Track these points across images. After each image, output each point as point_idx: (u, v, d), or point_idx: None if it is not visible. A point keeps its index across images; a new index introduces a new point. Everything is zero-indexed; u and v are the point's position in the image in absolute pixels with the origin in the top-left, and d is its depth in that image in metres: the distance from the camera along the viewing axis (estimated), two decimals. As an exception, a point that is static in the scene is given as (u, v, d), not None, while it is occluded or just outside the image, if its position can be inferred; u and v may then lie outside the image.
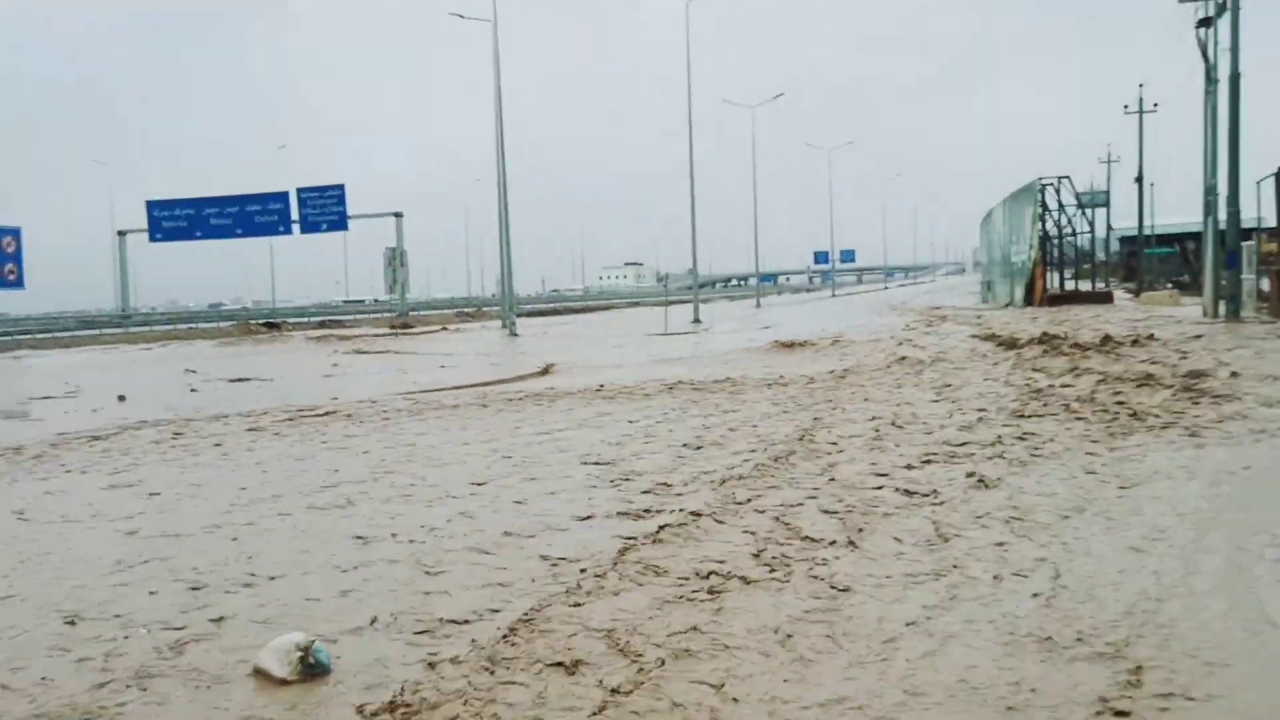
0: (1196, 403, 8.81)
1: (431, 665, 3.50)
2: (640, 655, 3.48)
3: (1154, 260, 46.90)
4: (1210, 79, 22.39)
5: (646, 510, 5.77)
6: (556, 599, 4.15)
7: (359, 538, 5.45)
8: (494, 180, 33.55)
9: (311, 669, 3.44)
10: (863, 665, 3.37)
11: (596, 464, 7.36)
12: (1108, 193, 49.58)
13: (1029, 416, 8.59)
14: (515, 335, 29.85)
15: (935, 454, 7.09)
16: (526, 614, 3.96)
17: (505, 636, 3.72)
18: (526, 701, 3.14)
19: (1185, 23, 22.86)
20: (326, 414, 11.07)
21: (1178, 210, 47.14)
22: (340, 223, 41.43)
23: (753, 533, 5.10)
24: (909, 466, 6.69)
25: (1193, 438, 7.31)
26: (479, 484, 6.81)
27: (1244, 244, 22.10)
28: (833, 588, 4.18)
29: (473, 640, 3.72)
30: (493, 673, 3.37)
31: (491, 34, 32.30)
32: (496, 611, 4.07)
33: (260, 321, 44.30)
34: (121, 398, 13.80)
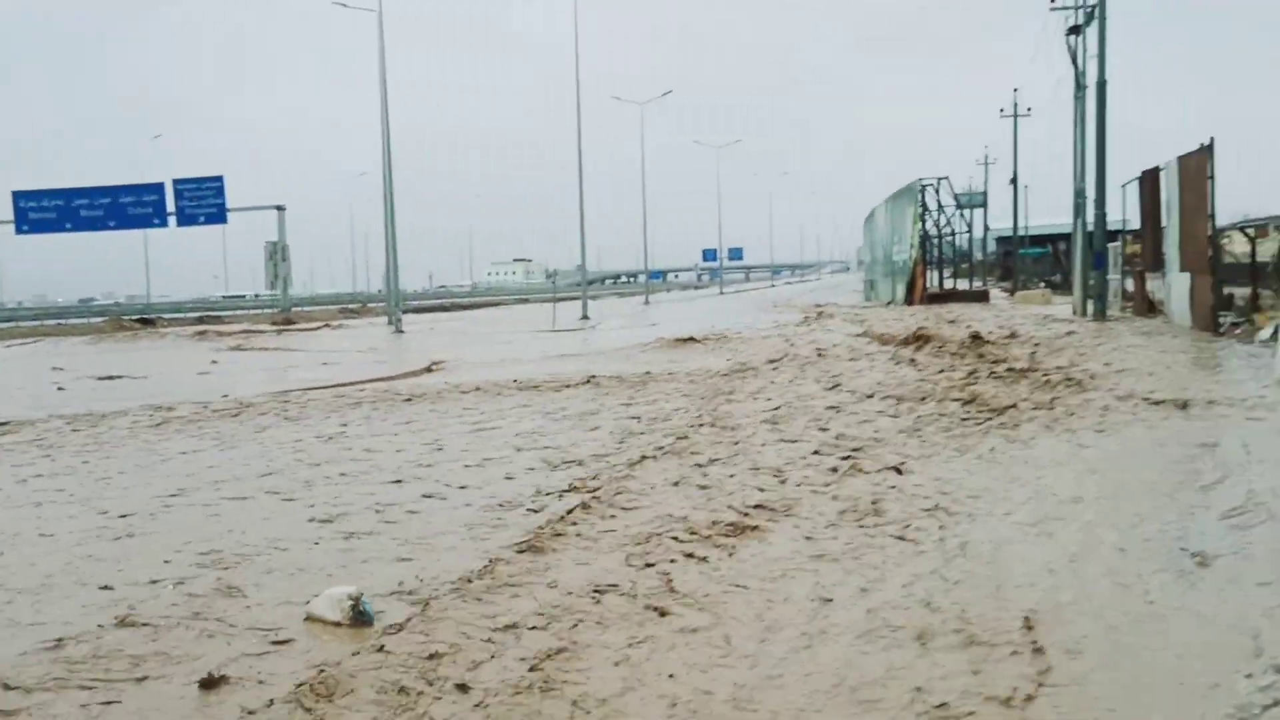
0: (1056, 394, 9.21)
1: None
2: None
3: (1028, 260, 48.67)
4: (1079, 85, 22.96)
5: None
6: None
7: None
8: (379, 175, 32.85)
9: (360, 616, 3.88)
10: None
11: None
12: (985, 194, 51.12)
13: (906, 400, 8.86)
14: (401, 332, 29.28)
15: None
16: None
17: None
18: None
19: (1058, 29, 23.19)
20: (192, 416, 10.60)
21: (1051, 211, 48.80)
22: (219, 215, 39.77)
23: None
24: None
25: (1049, 427, 7.71)
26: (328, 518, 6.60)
27: (1110, 245, 22.97)
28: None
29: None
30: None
31: (377, 24, 31.64)
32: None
33: (134, 317, 42.42)
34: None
